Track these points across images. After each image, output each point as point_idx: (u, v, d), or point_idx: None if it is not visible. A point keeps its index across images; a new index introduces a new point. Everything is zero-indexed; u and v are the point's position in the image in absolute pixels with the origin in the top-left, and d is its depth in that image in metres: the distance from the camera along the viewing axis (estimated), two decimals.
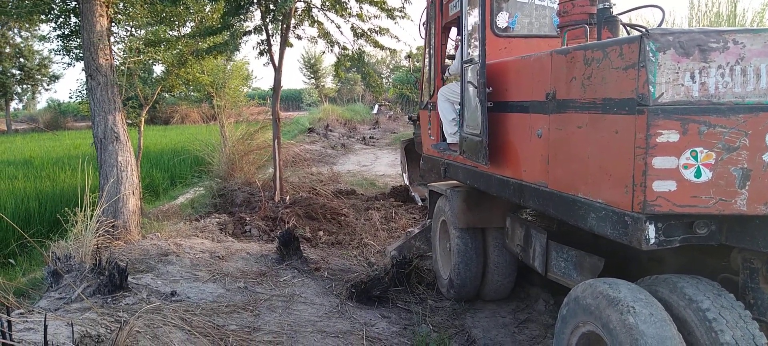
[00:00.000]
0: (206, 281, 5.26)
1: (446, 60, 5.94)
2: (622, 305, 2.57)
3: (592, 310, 2.76)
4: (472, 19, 4.42)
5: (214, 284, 5.22)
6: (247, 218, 7.96)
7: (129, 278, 4.75)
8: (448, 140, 5.36)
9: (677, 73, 2.42)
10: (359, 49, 8.80)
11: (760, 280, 2.78)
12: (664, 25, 3.54)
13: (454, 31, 5.88)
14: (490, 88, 3.86)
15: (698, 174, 2.45)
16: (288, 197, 9.18)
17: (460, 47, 4.81)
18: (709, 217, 2.56)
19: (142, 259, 5.54)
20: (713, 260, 3.13)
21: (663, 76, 2.42)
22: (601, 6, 3.44)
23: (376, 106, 36.04)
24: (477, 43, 4.40)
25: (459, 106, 5.00)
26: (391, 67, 46.61)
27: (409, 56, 8.88)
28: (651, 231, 2.53)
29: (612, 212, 2.71)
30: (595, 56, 2.79)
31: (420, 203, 9.70)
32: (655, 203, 2.48)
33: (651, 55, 2.42)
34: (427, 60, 6.25)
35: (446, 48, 6.02)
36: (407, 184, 10.16)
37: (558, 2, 3.93)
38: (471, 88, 4.24)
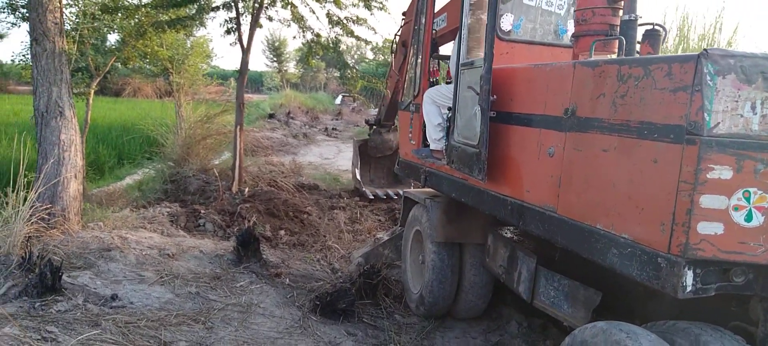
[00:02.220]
0: (153, 283, 4.68)
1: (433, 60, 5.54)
2: None
3: None
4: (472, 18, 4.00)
5: (162, 288, 4.65)
6: (202, 210, 7.34)
7: (64, 277, 4.13)
8: (432, 146, 4.96)
9: (737, 101, 2.08)
10: (336, 37, 8.31)
11: None
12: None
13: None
14: (495, 97, 3.47)
15: (749, 218, 2.12)
16: (247, 189, 8.58)
17: (455, 47, 4.40)
18: (752, 266, 2.25)
19: (81, 253, 4.89)
20: (720, 303, 2.83)
21: (721, 104, 2.08)
22: (627, 17, 3.10)
23: (340, 97, 35.34)
24: (477, 45, 4.00)
25: (447, 112, 4.60)
26: (355, 58, 45.83)
27: (393, 49, 8.43)
28: (689, 278, 2.19)
29: (641, 251, 2.36)
30: (633, 73, 2.42)
31: (370, 197, 9.59)
32: (698, 247, 2.14)
33: (709, 78, 2.07)
34: (412, 58, 5.83)
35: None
36: (358, 179, 10.01)
37: (574, 9, 3.56)
38: (469, 94, 3.84)
